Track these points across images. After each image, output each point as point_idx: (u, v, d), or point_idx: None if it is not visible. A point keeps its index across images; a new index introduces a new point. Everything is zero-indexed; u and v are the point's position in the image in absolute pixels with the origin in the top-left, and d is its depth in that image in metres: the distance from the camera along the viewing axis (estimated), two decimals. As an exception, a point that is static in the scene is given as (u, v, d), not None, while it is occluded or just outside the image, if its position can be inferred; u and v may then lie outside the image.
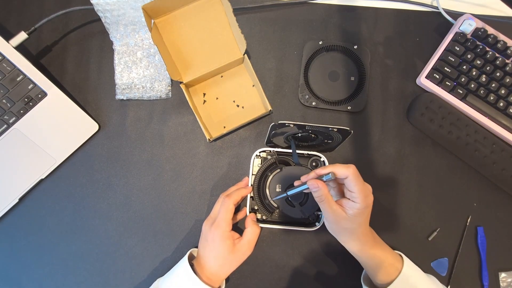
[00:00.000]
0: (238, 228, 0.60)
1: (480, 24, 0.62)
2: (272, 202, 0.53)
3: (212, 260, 0.50)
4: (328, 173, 0.45)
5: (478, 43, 0.61)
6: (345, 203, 0.47)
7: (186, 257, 0.52)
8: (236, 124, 0.59)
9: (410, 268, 0.50)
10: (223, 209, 0.51)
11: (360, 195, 0.45)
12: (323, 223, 0.56)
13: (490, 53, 0.60)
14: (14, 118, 0.58)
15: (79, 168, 0.61)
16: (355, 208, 0.45)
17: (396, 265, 0.50)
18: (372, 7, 0.65)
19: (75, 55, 0.63)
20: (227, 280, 0.58)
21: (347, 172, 0.45)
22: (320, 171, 0.46)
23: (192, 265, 0.51)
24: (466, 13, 0.63)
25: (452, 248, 0.61)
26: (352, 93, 0.63)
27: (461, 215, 0.61)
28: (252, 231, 0.52)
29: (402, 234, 0.61)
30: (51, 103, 0.59)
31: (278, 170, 0.54)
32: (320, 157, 0.58)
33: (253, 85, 0.62)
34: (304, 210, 0.53)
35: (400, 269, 0.49)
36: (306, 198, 0.52)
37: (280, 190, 0.53)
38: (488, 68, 0.60)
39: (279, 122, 0.50)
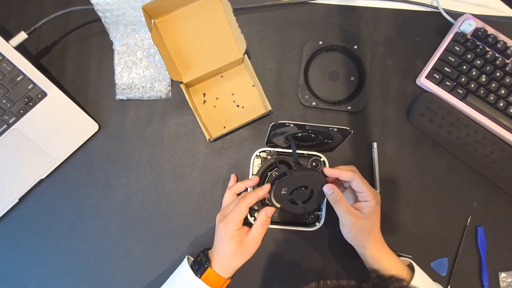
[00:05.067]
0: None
1: (480, 24, 0.62)
2: (274, 202, 0.53)
3: (223, 253, 0.52)
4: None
5: (478, 43, 0.61)
6: (358, 205, 0.51)
7: (185, 260, 0.53)
8: (236, 124, 0.59)
9: (420, 277, 0.51)
10: (235, 209, 0.51)
11: (369, 193, 0.50)
12: (323, 223, 0.56)
13: (490, 53, 0.60)
14: (14, 118, 0.58)
15: (79, 168, 0.61)
16: (368, 207, 0.50)
17: (409, 273, 0.52)
18: (372, 7, 0.65)
19: (75, 55, 0.63)
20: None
21: (353, 175, 0.50)
22: (331, 173, 0.51)
23: (207, 254, 0.53)
24: (466, 13, 0.63)
25: (452, 248, 0.61)
26: (352, 93, 0.63)
27: (461, 215, 0.61)
28: (259, 226, 0.51)
29: (402, 234, 0.61)
30: (51, 103, 0.59)
31: (287, 175, 0.51)
32: (320, 157, 0.58)
33: (253, 85, 0.62)
34: (307, 207, 0.52)
35: (411, 276, 0.51)
36: (309, 196, 0.52)
37: (285, 192, 0.52)
38: (488, 68, 0.60)
39: (279, 122, 0.50)
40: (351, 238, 0.52)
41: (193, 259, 0.55)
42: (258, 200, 0.53)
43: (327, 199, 0.56)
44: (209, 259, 0.52)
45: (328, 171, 0.51)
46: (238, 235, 0.51)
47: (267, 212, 0.52)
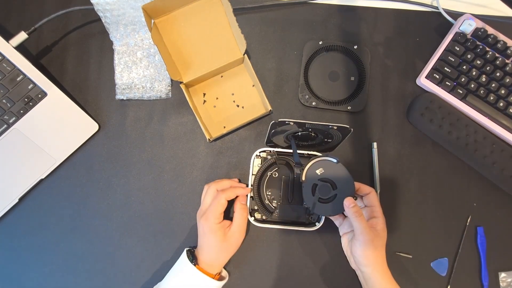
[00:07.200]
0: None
1: (480, 24, 0.62)
2: (304, 174, 0.52)
3: (207, 250, 0.53)
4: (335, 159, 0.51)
5: (478, 43, 0.61)
6: (371, 222, 0.52)
7: (184, 253, 0.54)
8: (236, 124, 0.59)
9: None
10: (214, 202, 0.53)
11: (380, 209, 0.53)
12: (323, 222, 0.56)
13: (490, 53, 0.60)
14: (14, 118, 0.58)
15: (79, 168, 0.61)
16: (380, 223, 0.51)
17: None
18: (372, 7, 0.65)
19: (75, 55, 0.63)
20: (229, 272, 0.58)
21: (370, 189, 0.54)
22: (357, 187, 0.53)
23: (193, 252, 0.54)
24: (466, 13, 0.63)
25: (452, 248, 0.61)
26: (352, 93, 0.63)
27: (461, 215, 0.61)
28: (239, 216, 0.54)
29: (402, 234, 0.61)
30: (51, 103, 0.59)
31: (336, 160, 0.52)
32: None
33: (253, 85, 0.62)
34: (316, 206, 0.51)
35: None
36: (327, 199, 0.52)
37: (315, 174, 0.52)
38: (488, 68, 0.60)
39: (279, 120, 0.50)
40: (363, 257, 0.50)
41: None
42: (237, 195, 0.55)
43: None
44: (195, 257, 0.53)
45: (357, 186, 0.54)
46: (221, 228, 0.52)
47: (240, 201, 0.54)
